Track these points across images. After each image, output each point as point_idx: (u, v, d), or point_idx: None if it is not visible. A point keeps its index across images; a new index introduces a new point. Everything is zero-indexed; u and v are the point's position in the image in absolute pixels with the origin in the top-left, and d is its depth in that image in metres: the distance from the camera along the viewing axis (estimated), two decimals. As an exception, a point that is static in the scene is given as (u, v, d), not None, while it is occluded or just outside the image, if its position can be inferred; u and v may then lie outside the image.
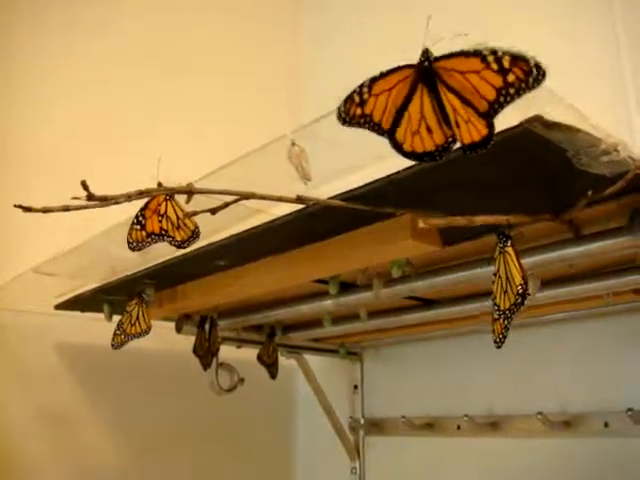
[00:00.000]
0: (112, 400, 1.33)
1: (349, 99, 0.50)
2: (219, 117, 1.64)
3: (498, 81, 0.46)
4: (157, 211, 0.68)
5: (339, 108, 0.51)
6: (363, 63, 1.66)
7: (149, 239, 0.69)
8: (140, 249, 0.70)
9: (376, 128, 0.52)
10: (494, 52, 0.45)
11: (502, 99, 0.47)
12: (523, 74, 0.45)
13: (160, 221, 0.68)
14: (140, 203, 0.68)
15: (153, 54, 1.57)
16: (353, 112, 0.51)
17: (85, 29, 1.47)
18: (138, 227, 0.69)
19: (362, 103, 0.51)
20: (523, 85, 0.46)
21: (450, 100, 0.48)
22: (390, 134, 0.52)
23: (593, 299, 0.99)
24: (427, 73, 0.48)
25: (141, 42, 1.56)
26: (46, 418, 1.23)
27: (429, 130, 0.50)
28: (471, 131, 0.49)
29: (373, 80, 0.50)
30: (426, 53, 0.48)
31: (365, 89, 0.50)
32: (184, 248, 0.71)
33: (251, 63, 1.78)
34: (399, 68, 0.49)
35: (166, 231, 0.68)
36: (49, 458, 1.22)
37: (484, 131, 0.48)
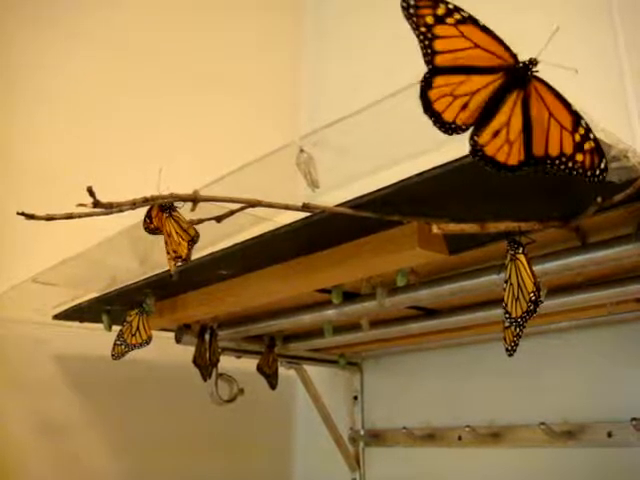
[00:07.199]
0: (111, 411, 1.31)
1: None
2: (220, 126, 1.64)
3: (568, 149, 0.46)
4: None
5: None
6: (362, 76, 1.67)
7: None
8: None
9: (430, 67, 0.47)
10: (588, 129, 0.45)
11: (558, 163, 0.47)
12: (590, 164, 0.46)
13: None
14: (142, 212, 0.66)
15: (157, 63, 1.57)
16: (422, 14, 0.45)
17: (88, 38, 1.47)
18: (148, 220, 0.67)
19: (438, 21, 0.45)
20: (580, 170, 0.46)
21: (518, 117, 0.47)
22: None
23: (596, 308, 0.98)
24: (520, 82, 0.47)
25: (145, 51, 1.56)
26: (44, 429, 1.21)
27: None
28: (510, 152, 0.48)
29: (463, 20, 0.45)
30: (533, 63, 0.46)
31: (452, 13, 0.45)
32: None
33: (251, 72, 1.78)
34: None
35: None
36: (47, 469, 1.20)
37: (519, 158, 0.48)
